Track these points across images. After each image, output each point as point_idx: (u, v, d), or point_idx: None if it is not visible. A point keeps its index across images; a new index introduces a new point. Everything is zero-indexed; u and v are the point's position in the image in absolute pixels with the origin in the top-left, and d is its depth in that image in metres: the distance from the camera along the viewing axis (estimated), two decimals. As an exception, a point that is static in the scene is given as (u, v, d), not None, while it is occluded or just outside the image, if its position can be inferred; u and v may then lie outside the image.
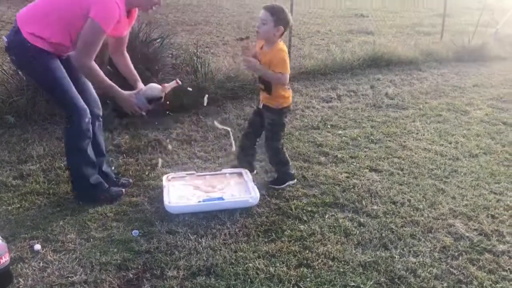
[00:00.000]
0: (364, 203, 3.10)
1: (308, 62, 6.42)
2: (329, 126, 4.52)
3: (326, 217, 2.93)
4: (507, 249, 2.69)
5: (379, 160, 3.78)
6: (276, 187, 3.29)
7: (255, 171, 3.49)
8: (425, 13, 12.72)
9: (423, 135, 4.36)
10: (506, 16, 8.80)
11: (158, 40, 4.97)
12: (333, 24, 10.51)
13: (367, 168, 3.63)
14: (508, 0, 11.33)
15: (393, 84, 6.02)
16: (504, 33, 9.03)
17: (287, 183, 3.33)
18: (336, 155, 3.85)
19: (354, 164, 3.70)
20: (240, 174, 3.33)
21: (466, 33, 8.39)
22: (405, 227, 2.85)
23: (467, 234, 2.81)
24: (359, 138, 4.23)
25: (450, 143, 4.21)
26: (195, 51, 5.33)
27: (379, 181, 3.42)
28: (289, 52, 6.28)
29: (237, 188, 3.15)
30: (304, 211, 2.99)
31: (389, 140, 4.21)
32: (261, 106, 3.24)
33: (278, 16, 2.94)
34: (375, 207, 3.06)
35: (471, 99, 5.55)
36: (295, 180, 3.38)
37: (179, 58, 5.28)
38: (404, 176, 3.52)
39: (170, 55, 5.24)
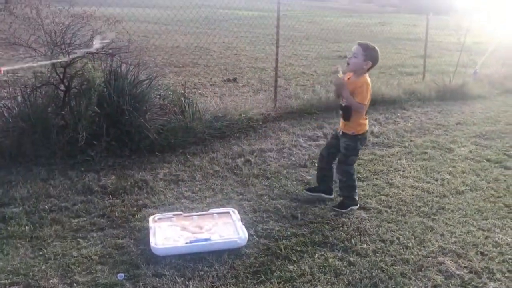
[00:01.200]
0: (353, 241, 3.08)
1: (294, 102, 6.51)
2: (315, 165, 4.52)
3: (316, 256, 2.89)
4: (497, 286, 2.67)
5: (367, 198, 3.78)
6: (340, 210, 3.49)
7: (332, 195, 3.72)
8: (406, 54, 13.11)
9: (410, 172, 4.40)
10: (483, 57, 9.11)
11: (146, 82, 5.02)
12: (318, 65, 10.76)
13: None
14: (484, 42, 11.76)
15: (378, 122, 6.11)
16: (482, 73, 9.32)
17: (349, 208, 3.51)
18: (324, 194, 3.84)
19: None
20: (228, 214, 3.29)
21: (447, 73, 8.64)
22: (395, 266, 2.83)
23: (457, 272, 2.79)
24: (346, 176, 4.25)
25: (436, 180, 4.25)
26: (183, 91, 5.38)
27: (367, 219, 3.41)
28: (275, 93, 6.43)
29: (225, 229, 3.11)
30: (294, 251, 2.95)
31: (376, 178, 4.23)
32: (340, 133, 3.53)
33: (369, 52, 3.35)
34: (365, 245, 3.04)
35: (454, 137, 5.65)
36: (357, 206, 3.55)
37: (167, 98, 5.33)
38: (392, 214, 3.52)
39: (158, 96, 5.29)
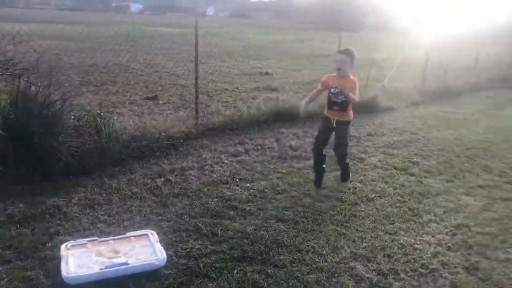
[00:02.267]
0: (271, 254, 3.17)
1: (216, 119, 6.58)
2: (237, 180, 4.61)
3: (235, 272, 2.94)
4: (402, 286, 2.89)
5: (285, 210, 3.92)
6: (345, 182, 4.60)
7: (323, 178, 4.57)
8: (324, 70, 13.76)
9: (325, 183, 4.62)
10: (391, 71, 9.83)
11: (58, 102, 4.82)
12: (240, 82, 10.96)
13: (274, 219, 3.74)
14: (392, 58, 12.70)
15: (296, 136, 6.36)
16: (391, 87, 10.05)
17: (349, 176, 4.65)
18: (245, 208, 3.92)
19: (262, 215, 3.79)
20: (146, 236, 3.24)
21: (360, 87, 9.19)
22: (311, 274, 2.95)
23: (367, 275, 2.98)
24: (266, 190, 4.37)
25: (349, 189, 4.50)
26: (99, 111, 5.23)
27: (285, 231, 3.53)
28: (196, 110, 6.45)
29: (142, 251, 3.06)
30: (213, 268, 2.97)
31: (294, 190, 4.40)
32: (334, 124, 4.37)
33: (353, 56, 4.25)
34: (282, 257, 3.14)
35: (366, 147, 6.03)
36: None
37: (82, 119, 5.14)
38: (308, 224, 3.67)
39: (72, 117, 5.09)
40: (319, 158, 4.56)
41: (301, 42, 23.10)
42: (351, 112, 4.45)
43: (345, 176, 4.65)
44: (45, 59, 6.86)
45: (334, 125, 4.40)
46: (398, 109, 8.83)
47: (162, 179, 4.49)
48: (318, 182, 4.54)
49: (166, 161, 5.00)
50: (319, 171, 4.57)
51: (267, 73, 12.52)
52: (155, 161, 4.97)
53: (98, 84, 9.13)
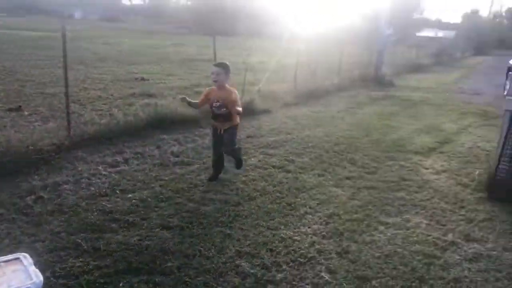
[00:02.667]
0: (158, 262, 3.16)
1: (91, 128, 6.26)
2: (118, 191, 4.46)
3: (121, 285, 2.87)
4: (284, 276, 3.10)
5: (170, 217, 3.91)
6: (239, 170, 5.12)
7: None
8: (201, 74, 13.90)
9: (208, 186, 4.71)
10: (265, 75, 10.32)
11: None
12: (115, 88, 10.54)
13: (159, 227, 3.71)
14: (266, 62, 13.34)
15: (178, 142, 6.35)
16: (266, 90, 10.57)
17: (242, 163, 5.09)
18: (128, 220, 3.82)
19: (146, 225, 3.73)
20: (17, 260, 2.97)
21: (237, 91, 9.50)
22: (199, 277, 3.01)
23: (252, 271, 3.13)
24: (148, 199, 4.30)
25: (232, 190, 4.66)
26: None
27: (171, 238, 3.53)
28: (68, 120, 6.06)
29: (15, 277, 2.80)
30: (97, 284, 2.87)
31: (178, 197, 4.40)
32: (222, 132, 4.66)
33: (227, 69, 4.50)
34: (169, 264, 3.15)
35: (246, 149, 6.27)
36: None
37: None
38: (193, 229, 3.72)
39: None
40: (219, 159, 4.94)
41: (177, 47, 23.00)
42: (236, 118, 4.73)
43: (239, 164, 5.12)
44: None
45: (222, 133, 4.71)
46: (274, 111, 9.33)
47: (33, 196, 4.15)
48: (214, 177, 4.90)
49: (36, 177, 4.62)
50: (218, 168, 4.97)
51: (143, 79, 12.23)
52: (23, 178, 4.57)
53: None
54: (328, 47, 14.51)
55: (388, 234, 3.92)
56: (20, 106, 7.56)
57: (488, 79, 19.92)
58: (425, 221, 4.24)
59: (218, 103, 4.55)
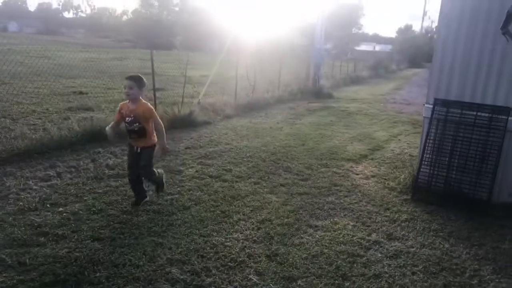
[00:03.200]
0: (86, 273, 3.15)
1: (22, 143, 6.07)
2: (48, 205, 4.37)
3: (46, 298, 2.84)
4: (213, 281, 3.20)
5: (101, 229, 3.90)
6: (162, 192, 4.74)
7: (147, 197, 4.63)
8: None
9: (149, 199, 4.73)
10: (204, 88, 10.46)
11: None
12: (51, 102, 10.25)
13: (90, 239, 3.69)
14: (206, 76, 13.48)
15: (114, 155, 6.30)
16: (207, 102, 10.70)
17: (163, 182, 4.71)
18: (57, 233, 3.77)
19: (76, 237, 3.70)
20: None
21: (178, 104, 9.56)
22: (127, 286, 3.04)
23: (181, 277, 3.20)
24: (80, 211, 4.26)
25: (166, 201, 4.70)
26: None
27: (101, 249, 3.53)
28: (-4, 135, 5.84)
29: None
30: (20, 298, 2.82)
31: (111, 208, 4.39)
32: (138, 150, 4.32)
33: (141, 82, 4.22)
34: (98, 274, 3.15)
35: (184, 160, 6.33)
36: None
37: None
38: (125, 239, 3.73)
39: None
40: (137, 180, 4.52)
41: (118, 60, 22.60)
42: (154, 137, 4.39)
43: (158, 188, 4.74)
44: None
45: (139, 151, 4.35)
46: (214, 122, 9.45)
47: (-46, 214, 3.99)
48: (137, 202, 4.51)
49: (-41, 194, 4.44)
50: (139, 191, 4.56)
51: (81, 92, 11.98)
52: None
53: None
54: (268, 60, 14.90)
55: (316, 236, 4.12)
56: None
57: (419, 89, 21.21)
58: (351, 223, 4.49)
59: (130, 118, 4.22)
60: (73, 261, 3.31)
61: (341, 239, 4.10)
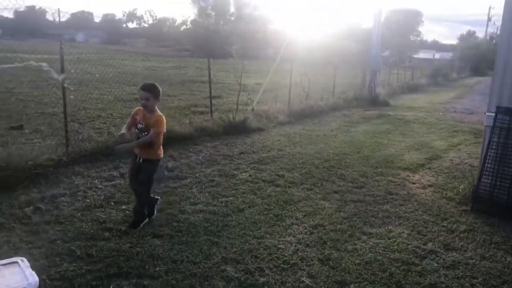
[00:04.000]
0: (147, 267, 3.34)
1: (89, 145, 6.49)
2: (112, 203, 4.66)
3: (111, 287, 3.04)
4: (266, 280, 3.28)
5: (161, 227, 4.10)
6: (135, 229, 4.02)
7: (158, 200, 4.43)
8: (200, 95, 14.21)
9: (199, 199, 4.91)
10: (258, 96, 10.63)
11: None
12: (115, 108, 10.83)
13: (150, 236, 3.90)
14: (261, 83, 13.68)
15: (172, 158, 6.57)
16: (260, 109, 10.86)
17: (144, 222, 4.14)
18: (120, 229, 4.01)
19: (137, 234, 3.92)
20: (15, 264, 3.16)
21: (232, 111, 9.79)
22: (185, 281, 3.19)
23: (236, 275, 3.31)
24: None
25: (221, 202, 4.86)
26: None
27: (160, 245, 3.72)
28: (66, 137, 6.30)
29: (12, 278, 2.98)
30: (89, 286, 3.05)
31: (170, 208, 4.60)
32: (141, 161, 4.10)
33: (156, 92, 4.05)
34: (157, 268, 3.33)
35: (238, 164, 6.49)
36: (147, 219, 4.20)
37: None
38: (183, 237, 3.91)
39: None
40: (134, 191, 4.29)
41: (177, 69, 23.44)
42: (160, 152, 4.22)
43: (134, 223, 4.11)
44: None
45: (140, 161, 4.14)
46: (267, 129, 9.57)
47: (31, 207, 4.35)
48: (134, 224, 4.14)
49: (35, 190, 4.83)
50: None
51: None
52: (23, 191, 4.77)
53: (-49, 115, 8.30)
54: (322, 67, 14.87)
55: (370, 243, 4.10)
56: (21, 125, 7.82)
57: (483, 98, 20.22)
58: (406, 232, 4.42)
59: (141, 125, 4.09)
60: (135, 255, 3.52)
61: (395, 247, 4.05)
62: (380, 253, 3.91)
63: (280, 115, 10.77)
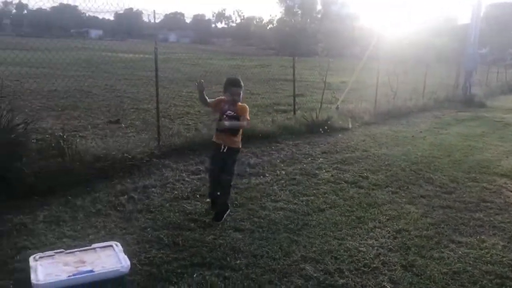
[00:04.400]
0: (228, 259, 3.45)
1: (178, 140, 6.84)
2: (198, 196, 4.87)
3: (195, 276, 3.19)
4: (346, 282, 3.23)
5: (242, 221, 4.21)
6: (219, 221, 4.18)
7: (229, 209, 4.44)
8: (283, 93, 14.32)
9: (280, 196, 4.96)
10: (343, 95, 10.44)
11: (21, 126, 4.97)
12: (202, 105, 11.26)
13: (232, 229, 4.02)
14: (346, 82, 13.43)
15: (255, 155, 6.70)
16: (345, 108, 10.66)
17: (227, 213, 4.32)
18: (204, 221, 4.19)
19: (220, 226, 4.06)
20: (110, 247, 3.43)
21: (316, 109, 9.73)
22: (264, 275, 3.24)
23: (315, 275, 3.30)
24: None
25: (302, 201, 4.86)
26: (62, 134, 5.40)
27: (241, 239, 3.82)
28: (158, 132, 6.69)
29: (108, 260, 3.25)
30: (174, 273, 3.22)
31: (251, 203, 4.70)
32: (225, 150, 4.30)
33: (242, 87, 4.44)
34: (238, 261, 3.42)
35: (320, 164, 6.44)
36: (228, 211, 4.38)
37: (45, 142, 5.29)
38: (263, 233, 3.97)
39: (35, 140, 5.23)
40: (215, 185, 4.43)
41: (261, 67, 23.79)
42: (240, 141, 4.43)
43: (219, 214, 4.27)
44: (7, 85, 6.96)
45: (225, 151, 4.30)
46: (351, 129, 9.37)
47: (126, 196, 4.69)
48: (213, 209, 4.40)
49: (129, 180, 5.20)
50: (215, 198, 4.43)
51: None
52: (118, 180, 5.16)
53: (60, 109, 9.21)
54: (412, 66, 14.20)
55: (459, 252, 3.85)
56: (118, 120, 8.46)
57: None
58: (502, 243, 4.09)
59: (231, 113, 4.29)
60: (217, 247, 3.65)
61: (488, 258, 3.76)
62: (470, 263, 3.66)
63: (365, 115, 10.50)
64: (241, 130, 4.42)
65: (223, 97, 4.45)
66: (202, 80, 4.43)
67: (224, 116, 4.34)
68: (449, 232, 4.27)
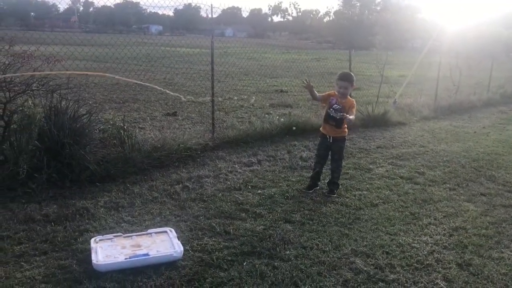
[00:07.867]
0: (278, 249, 3.48)
1: (231, 132, 6.95)
2: (249, 187, 4.94)
3: (244, 264, 3.25)
4: (397, 278, 3.17)
5: (293, 213, 4.23)
6: (333, 195, 4.72)
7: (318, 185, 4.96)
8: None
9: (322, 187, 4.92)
10: (401, 88, 10.10)
11: (85, 116, 5.27)
12: (256, 99, 11.37)
13: (282, 220, 4.05)
14: (407, 75, 12.97)
15: (307, 148, 6.68)
16: (403, 103, 10.33)
17: (338, 189, 4.86)
18: (255, 211, 4.25)
19: (271, 217, 4.11)
20: (165, 233, 3.59)
21: (372, 103, 9.51)
22: (313, 267, 3.25)
23: (365, 269, 3.26)
24: (276, 195, 4.69)
25: (355, 195, 4.79)
26: (122, 125, 5.67)
27: (292, 231, 3.84)
28: (212, 124, 6.84)
29: (162, 245, 3.41)
30: (225, 260, 3.30)
31: (302, 196, 4.71)
32: (331, 140, 4.78)
33: (352, 81, 4.70)
34: (288, 252, 3.45)
35: (374, 159, 6.30)
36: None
37: (107, 132, 5.58)
38: (313, 225, 3.97)
39: (98, 130, 5.54)
40: (319, 172, 4.97)
41: (317, 61, 23.53)
42: (346, 129, 4.86)
43: (333, 190, 4.82)
44: (74, 78, 7.40)
45: (331, 141, 4.81)
46: (409, 123, 9.09)
47: (180, 185, 4.86)
48: (310, 187, 4.91)
49: (184, 170, 5.37)
50: (315, 181, 4.98)
51: (282, 91, 12.92)
52: (174, 170, 5.35)
53: (121, 102, 9.65)
54: (476, 59, 13.47)
55: (522, 253, 3.65)
56: (175, 112, 8.73)
57: None
58: None
59: (338, 106, 4.66)
60: (267, 237, 3.69)
61: (555, 262, 3.53)
62: (533, 266, 3.45)
63: (424, 109, 10.13)
64: (345, 123, 4.73)
65: (332, 91, 4.81)
66: (308, 80, 4.73)
67: (331, 109, 4.71)
68: (511, 232, 4.05)
